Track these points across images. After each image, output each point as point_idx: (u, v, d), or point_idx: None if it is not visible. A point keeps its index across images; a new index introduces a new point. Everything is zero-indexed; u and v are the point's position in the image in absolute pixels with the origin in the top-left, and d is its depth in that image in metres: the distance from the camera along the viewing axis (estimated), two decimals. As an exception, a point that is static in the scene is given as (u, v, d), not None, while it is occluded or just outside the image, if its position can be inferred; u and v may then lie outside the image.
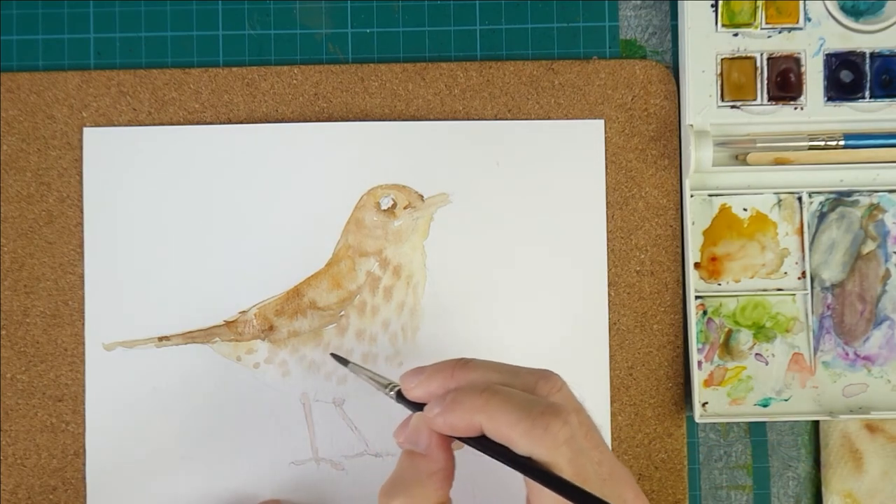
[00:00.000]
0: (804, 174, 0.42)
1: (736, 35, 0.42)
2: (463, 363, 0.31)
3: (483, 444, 0.29)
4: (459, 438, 0.30)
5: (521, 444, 0.28)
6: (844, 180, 0.42)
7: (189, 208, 0.42)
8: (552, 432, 0.28)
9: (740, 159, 0.42)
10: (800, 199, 0.42)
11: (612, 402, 0.42)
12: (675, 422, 0.42)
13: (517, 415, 0.28)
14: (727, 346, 0.42)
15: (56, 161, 0.42)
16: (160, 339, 0.42)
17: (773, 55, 0.42)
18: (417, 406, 0.32)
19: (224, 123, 0.42)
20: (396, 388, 0.33)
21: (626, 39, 0.43)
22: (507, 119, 0.42)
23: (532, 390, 0.30)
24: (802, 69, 0.42)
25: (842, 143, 0.41)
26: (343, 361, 0.38)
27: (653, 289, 0.42)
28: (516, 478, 0.29)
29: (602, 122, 0.42)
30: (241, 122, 0.42)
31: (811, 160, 0.41)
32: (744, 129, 0.42)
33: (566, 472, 0.27)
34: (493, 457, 0.29)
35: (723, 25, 0.42)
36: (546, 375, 0.30)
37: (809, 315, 0.42)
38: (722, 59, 0.42)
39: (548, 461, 0.28)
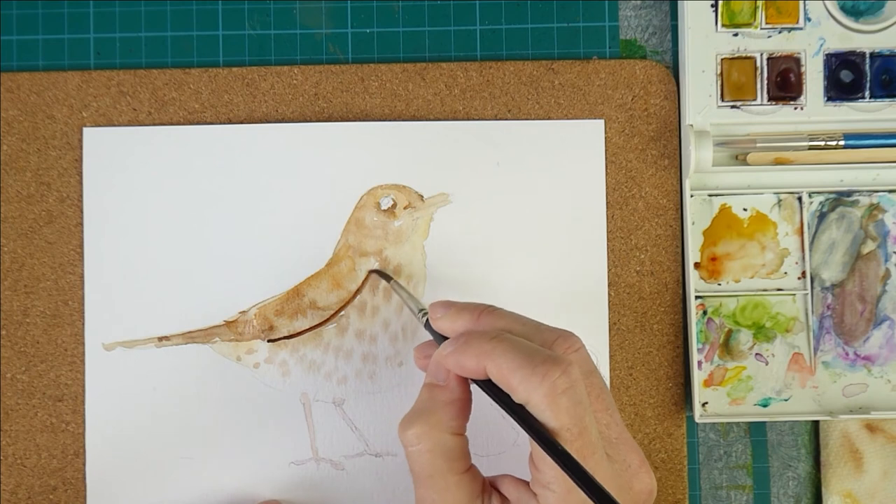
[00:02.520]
0: (804, 174, 0.42)
1: (736, 35, 0.42)
2: (491, 309, 0.33)
3: (488, 387, 0.30)
4: (470, 380, 0.31)
5: (520, 391, 0.28)
6: (844, 180, 0.42)
7: (189, 208, 0.42)
8: (549, 380, 0.28)
9: (740, 159, 0.42)
10: (800, 199, 0.42)
11: (612, 402, 0.42)
12: (675, 422, 0.42)
13: (518, 361, 0.29)
14: (727, 346, 0.42)
15: (56, 161, 0.42)
16: (160, 339, 0.42)
17: (773, 55, 0.42)
18: (441, 336, 0.33)
19: (224, 123, 0.42)
20: (427, 316, 0.35)
21: (626, 39, 0.43)
22: (507, 119, 0.42)
23: (549, 347, 0.30)
24: (802, 69, 0.42)
25: (842, 143, 0.41)
26: (386, 277, 0.41)
27: (653, 289, 0.42)
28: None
29: (602, 122, 0.42)
30: (241, 122, 0.42)
31: (811, 160, 0.41)
32: (744, 129, 0.42)
33: (564, 420, 0.28)
34: (495, 401, 0.30)
35: (723, 25, 0.42)
36: (566, 335, 0.31)
37: (809, 315, 0.42)
38: (722, 59, 0.42)
39: (543, 409, 0.28)
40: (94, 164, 0.42)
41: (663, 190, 0.42)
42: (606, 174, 0.42)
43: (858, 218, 0.42)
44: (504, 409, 0.29)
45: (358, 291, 0.42)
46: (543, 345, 0.31)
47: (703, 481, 0.42)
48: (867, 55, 0.42)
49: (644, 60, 0.43)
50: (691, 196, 0.42)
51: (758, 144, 0.41)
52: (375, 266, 0.42)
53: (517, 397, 0.29)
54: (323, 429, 0.42)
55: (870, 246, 0.42)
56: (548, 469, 0.28)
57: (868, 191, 0.42)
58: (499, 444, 0.41)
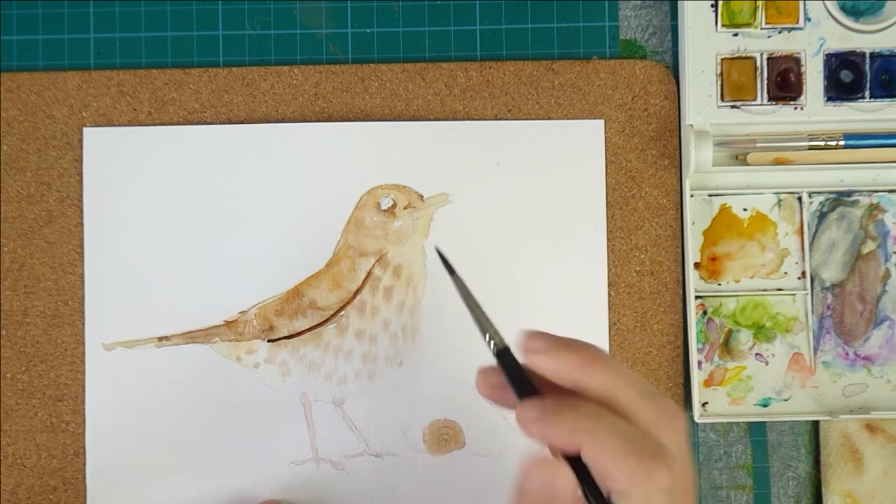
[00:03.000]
0: (804, 174, 0.42)
1: (736, 35, 0.42)
2: (604, 358, 0.28)
3: (574, 464, 0.27)
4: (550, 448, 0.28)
5: (619, 481, 0.26)
6: (844, 180, 0.42)
7: (189, 208, 0.42)
8: (655, 479, 0.26)
9: (740, 159, 0.42)
10: (800, 199, 0.42)
11: (612, 402, 0.42)
12: (675, 422, 0.42)
13: (624, 449, 0.26)
14: (727, 346, 0.42)
15: (56, 161, 0.42)
16: (160, 339, 0.42)
17: (773, 55, 0.42)
18: (512, 374, 0.28)
19: (224, 123, 0.42)
20: (501, 345, 0.29)
21: (626, 39, 0.43)
22: (507, 119, 0.42)
23: (655, 427, 0.27)
24: (802, 69, 0.42)
25: (842, 143, 0.41)
26: (449, 269, 0.31)
27: (653, 289, 0.42)
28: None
29: (602, 122, 0.42)
30: (241, 122, 0.42)
31: (811, 160, 0.41)
32: (744, 129, 0.42)
33: None
34: (577, 478, 0.27)
35: (723, 25, 0.42)
36: (673, 413, 0.28)
37: (809, 315, 0.42)
38: (722, 59, 0.42)
39: None
40: (94, 164, 0.42)
41: (663, 190, 0.42)
42: (606, 174, 0.42)
43: (858, 218, 0.42)
44: (584, 493, 0.27)
45: (358, 291, 0.42)
46: (650, 424, 0.27)
47: (703, 481, 0.42)
48: (867, 55, 0.42)
49: (644, 60, 0.43)
50: (691, 196, 0.42)
51: (758, 144, 0.41)
52: (375, 266, 0.42)
53: (613, 486, 0.26)
54: (323, 429, 0.42)
55: (870, 246, 0.42)
56: None
57: (868, 191, 0.42)
58: (499, 444, 0.41)
